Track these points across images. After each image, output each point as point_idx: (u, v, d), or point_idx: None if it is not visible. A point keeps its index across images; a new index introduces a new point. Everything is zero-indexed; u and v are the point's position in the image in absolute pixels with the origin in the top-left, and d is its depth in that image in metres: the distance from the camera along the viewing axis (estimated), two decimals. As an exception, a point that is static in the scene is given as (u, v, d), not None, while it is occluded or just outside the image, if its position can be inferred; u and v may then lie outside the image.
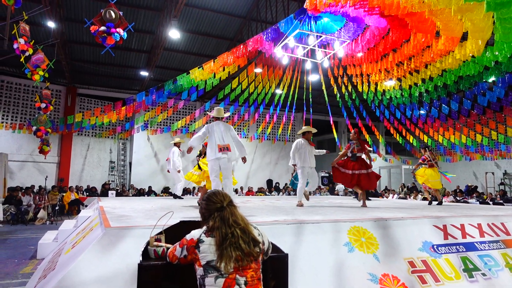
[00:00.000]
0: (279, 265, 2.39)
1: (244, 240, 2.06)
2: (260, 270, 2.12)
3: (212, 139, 5.41)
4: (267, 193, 17.87)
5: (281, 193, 17.61)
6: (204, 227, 2.17)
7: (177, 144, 9.44)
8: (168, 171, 9.63)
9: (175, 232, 2.58)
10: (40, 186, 14.04)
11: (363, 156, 7.09)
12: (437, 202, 7.99)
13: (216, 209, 2.18)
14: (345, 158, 7.10)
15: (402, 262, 3.68)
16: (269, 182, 20.46)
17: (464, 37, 7.52)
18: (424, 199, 15.42)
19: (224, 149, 5.32)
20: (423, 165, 8.20)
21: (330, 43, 10.55)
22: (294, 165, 6.81)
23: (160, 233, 2.60)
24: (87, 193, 15.17)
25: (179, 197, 9.29)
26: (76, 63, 15.49)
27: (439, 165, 8.45)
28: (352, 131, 7.32)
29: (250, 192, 17.39)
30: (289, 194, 16.72)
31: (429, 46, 8.94)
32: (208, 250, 2.03)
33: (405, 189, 18.51)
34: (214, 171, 5.42)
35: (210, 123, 5.64)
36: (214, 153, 5.34)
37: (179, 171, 9.18)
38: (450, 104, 12.68)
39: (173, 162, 9.11)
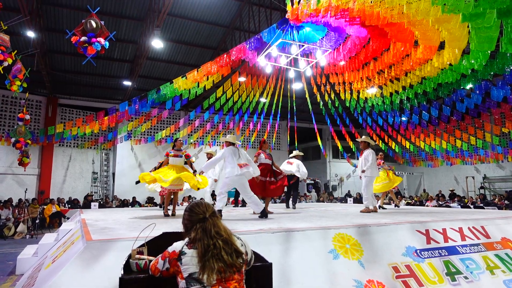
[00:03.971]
0: (263, 275, 2.38)
1: (227, 252, 2.04)
2: (244, 281, 2.10)
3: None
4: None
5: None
6: (186, 239, 2.14)
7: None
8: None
9: (158, 244, 2.55)
10: (19, 199, 13.65)
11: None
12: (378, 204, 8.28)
13: (199, 220, 2.15)
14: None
15: (386, 267, 3.72)
16: (255, 190, 20.37)
17: (442, 46, 7.75)
18: (408, 204, 15.69)
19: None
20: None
21: (312, 52, 10.71)
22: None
23: (143, 245, 2.56)
24: (69, 205, 14.82)
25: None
26: (57, 73, 15.23)
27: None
28: (264, 139, 7.36)
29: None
30: (275, 202, 16.67)
31: (408, 54, 9.15)
32: (190, 262, 2.01)
33: (389, 195, 18.73)
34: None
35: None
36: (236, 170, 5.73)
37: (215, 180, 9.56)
38: (430, 110, 12.98)
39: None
